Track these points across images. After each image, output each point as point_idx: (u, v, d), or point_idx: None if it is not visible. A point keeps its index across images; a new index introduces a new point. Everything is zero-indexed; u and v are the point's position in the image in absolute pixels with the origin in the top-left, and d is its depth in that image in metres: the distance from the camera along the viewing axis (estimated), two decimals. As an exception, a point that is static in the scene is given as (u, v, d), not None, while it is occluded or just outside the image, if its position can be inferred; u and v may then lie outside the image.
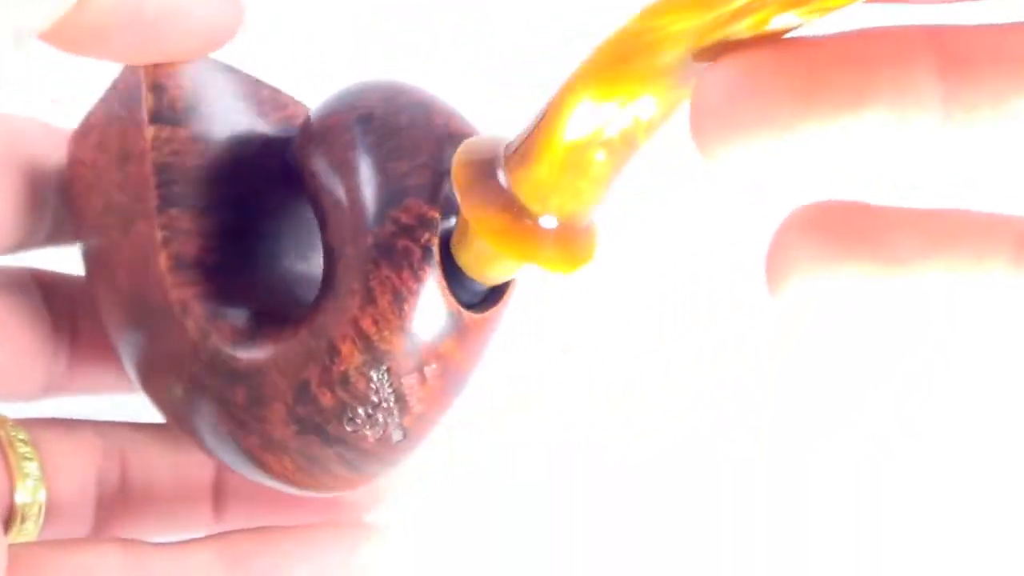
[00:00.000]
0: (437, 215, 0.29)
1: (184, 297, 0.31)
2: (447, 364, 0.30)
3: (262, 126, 0.33)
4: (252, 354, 0.31)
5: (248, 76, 0.33)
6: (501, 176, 0.27)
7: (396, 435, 0.31)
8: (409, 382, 0.30)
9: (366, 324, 0.29)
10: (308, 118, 0.32)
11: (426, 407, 0.31)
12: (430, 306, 0.29)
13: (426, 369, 0.30)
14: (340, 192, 0.30)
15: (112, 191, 0.32)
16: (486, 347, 0.31)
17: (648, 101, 0.24)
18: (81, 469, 0.33)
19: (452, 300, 0.30)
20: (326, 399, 0.30)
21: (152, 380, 0.32)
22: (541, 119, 0.25)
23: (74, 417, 0.35)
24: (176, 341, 0.31)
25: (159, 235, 0.31)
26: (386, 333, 0.29)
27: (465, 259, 0.30)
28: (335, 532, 0.32)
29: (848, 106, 0.21)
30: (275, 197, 0.33)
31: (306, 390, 0.30)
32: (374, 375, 0.30)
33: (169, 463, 0.34)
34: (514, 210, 0.27)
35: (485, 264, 0.29)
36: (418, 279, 0.29)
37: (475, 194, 0.27)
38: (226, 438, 0.31)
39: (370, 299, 0.29)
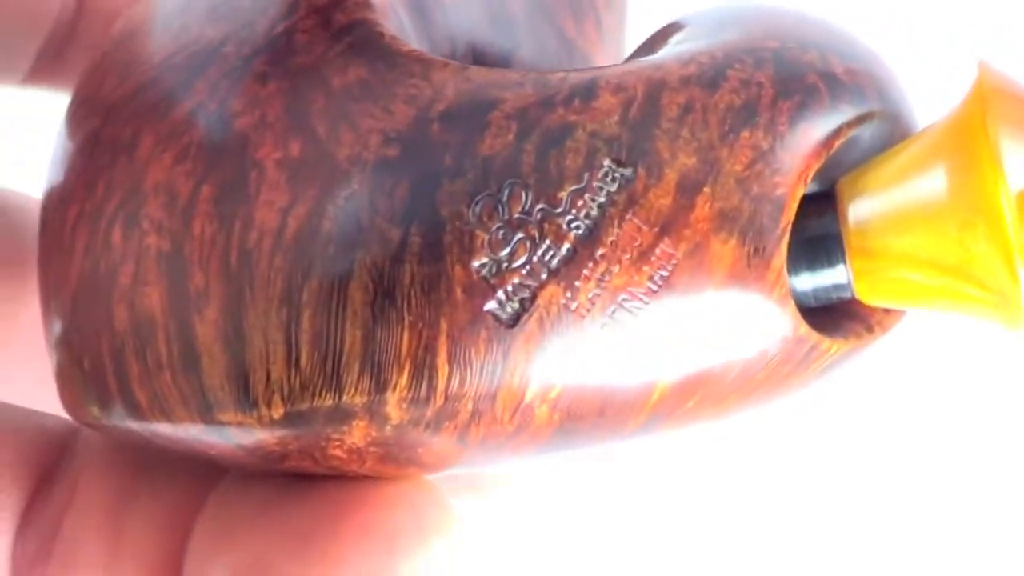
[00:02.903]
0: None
1: None
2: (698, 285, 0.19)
3: None
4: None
5: None
6: None
7: (508, 306, 0.18)
8: (626, 230, 0.18)
9: (668, 98, 0.19)
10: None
11: (598, 299, 0.18)
12: (764, 193, 0.19)
13: (661, 246, 0.18)
14: None
15: None
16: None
17: None
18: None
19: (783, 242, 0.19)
20: (502, 139, 0.18)
21: None
22: None
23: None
24: None
25: None
26: (684, 135, 0.19)
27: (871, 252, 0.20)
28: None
29: None
30: None
31: (484, 126, 0.19)
32: (605, 161, 0.18)
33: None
34: None
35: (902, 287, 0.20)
36: (776, 143, 0.19)
37: None
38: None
39: (710, 85, 0.19)
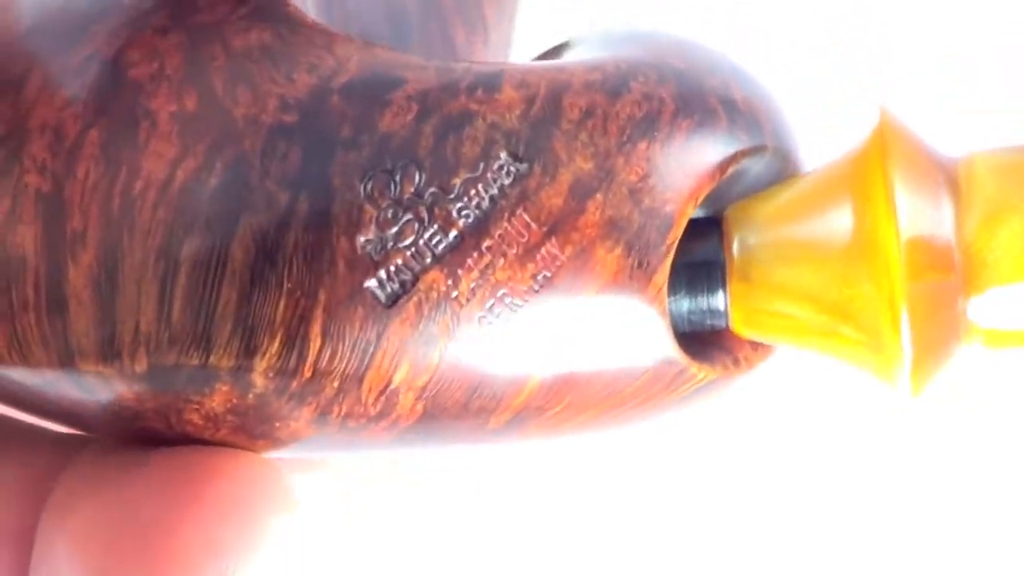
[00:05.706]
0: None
1: None
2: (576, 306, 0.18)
3: None
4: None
5: None
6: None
7: (389, 286, 0.18)
8: (515, 225, 0.18)
9: (570, 100, 0.19)
10: None
11: (479, 290, 0.18)
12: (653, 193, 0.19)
13: (546, 246, 0.18)
14: None
15: None
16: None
17: None
18: None
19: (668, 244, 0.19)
20: (402, 118, 0.18)
21: None
22: None
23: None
24: None
25: None
26: (583, 138, 0.18)
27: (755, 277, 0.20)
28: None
29: None
30: None
31: (384, 103, 0.18)
32: (502, 154, 0.18)
33: None
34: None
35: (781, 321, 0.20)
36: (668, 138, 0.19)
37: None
38: None
39: (612, 93, 0.19)
